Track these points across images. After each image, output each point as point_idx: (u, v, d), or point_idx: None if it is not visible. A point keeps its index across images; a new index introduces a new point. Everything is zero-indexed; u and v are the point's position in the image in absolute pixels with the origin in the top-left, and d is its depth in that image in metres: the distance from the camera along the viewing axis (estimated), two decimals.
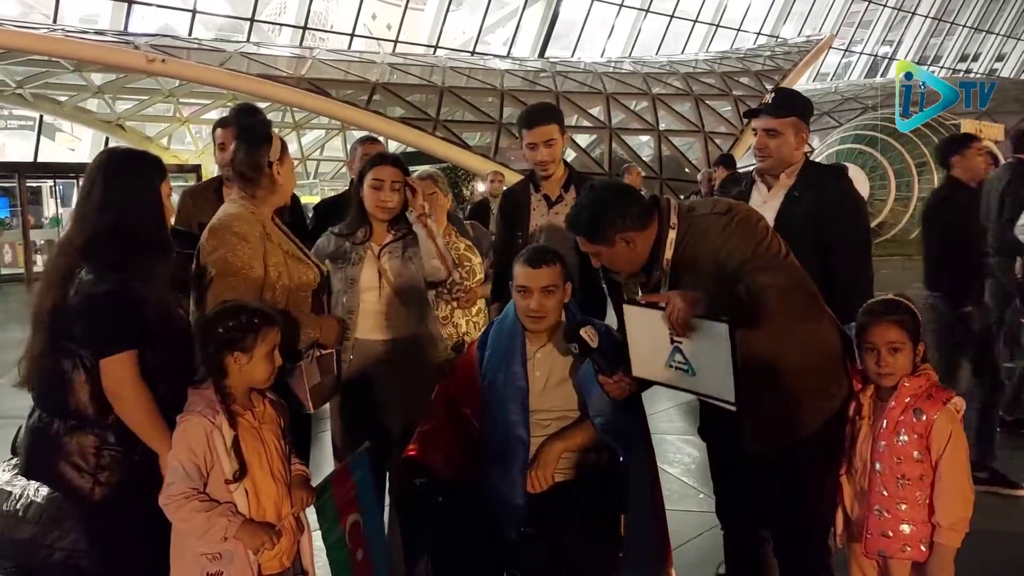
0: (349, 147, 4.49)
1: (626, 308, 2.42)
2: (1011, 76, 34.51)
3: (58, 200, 20.30)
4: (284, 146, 2.82)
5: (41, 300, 2.29)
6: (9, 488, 2.89)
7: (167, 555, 2.23)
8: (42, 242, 18.82)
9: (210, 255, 2.58)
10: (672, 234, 2.37)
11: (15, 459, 2.71)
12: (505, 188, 3.85)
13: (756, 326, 2.27)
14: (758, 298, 2.21)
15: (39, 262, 17.97)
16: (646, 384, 2.65)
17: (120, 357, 2.18)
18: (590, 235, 2.40)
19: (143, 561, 2.28)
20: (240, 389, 2.27)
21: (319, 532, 2.51)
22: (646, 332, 2.35)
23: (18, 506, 2.81)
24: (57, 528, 2.67)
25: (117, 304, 2.19)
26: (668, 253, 2.38)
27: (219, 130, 3.59)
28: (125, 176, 2.31)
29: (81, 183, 2.37)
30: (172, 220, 2.54)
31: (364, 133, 15.66)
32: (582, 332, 2.47)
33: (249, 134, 2.78)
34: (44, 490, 2.81)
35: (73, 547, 2.51)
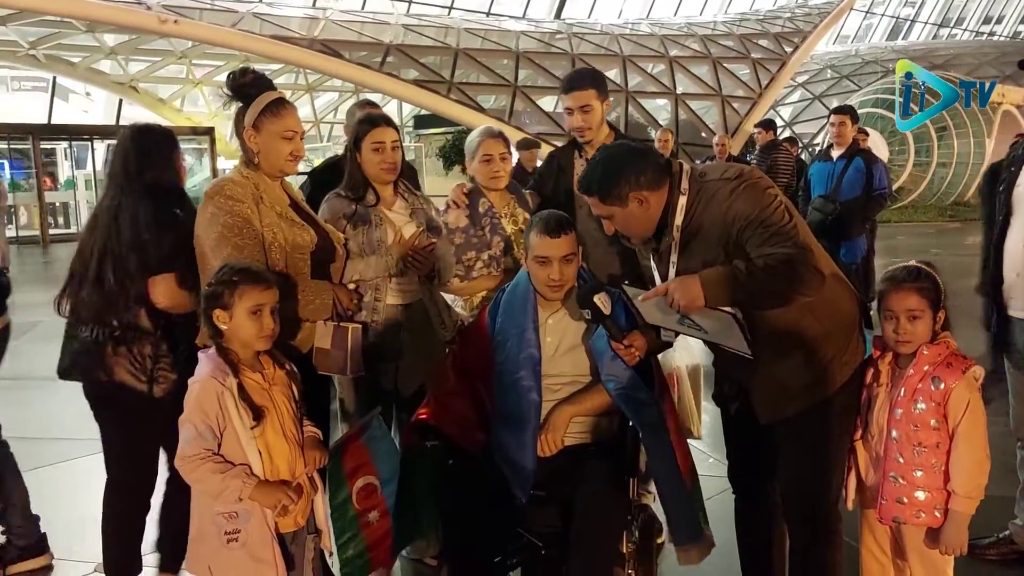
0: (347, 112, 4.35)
1: (626, 288, 2.43)
2: None
3: (73, 162, 20.25)
4: (271, 110, 2.59)
5: (88, 236, 2.67)
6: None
7: None
8: (57, 204, 18.90)
9: (210, 220, 2.52)
10: (683, 199, 2.32)
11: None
12: (552, 150, 3.75)
13: (766, 302, 2.26)
14: (765, 268, 2.18)
15: (54, 224, 18.07)
16: (659, 348, 2.64)
17: (166, 277, 2.59)
18: (603, 195, 2.34)
19: None
20: (238, 348, 2.27)
21: None
22: (652, 307, 2.36)
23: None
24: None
25: (163, 230, 2.59)
26: (678, 219, 2.33)
27: None
28: (151, 144, 2.74)
29: (112, 152, 2.80)
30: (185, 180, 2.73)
31: (378, 95, 15.54)
32: (595, 299, 2.45)
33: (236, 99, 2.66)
34: None
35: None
